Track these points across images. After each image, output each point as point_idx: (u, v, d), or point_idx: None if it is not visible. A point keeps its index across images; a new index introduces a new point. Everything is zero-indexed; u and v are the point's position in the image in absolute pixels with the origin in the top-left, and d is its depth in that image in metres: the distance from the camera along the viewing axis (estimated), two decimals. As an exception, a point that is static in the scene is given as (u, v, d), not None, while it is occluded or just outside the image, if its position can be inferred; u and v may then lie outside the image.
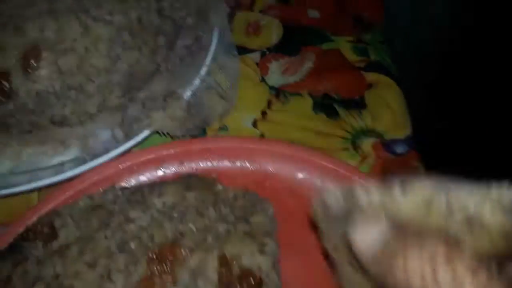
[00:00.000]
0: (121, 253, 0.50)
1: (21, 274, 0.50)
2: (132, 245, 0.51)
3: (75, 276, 0.48)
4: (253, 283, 0.48)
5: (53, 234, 0.53)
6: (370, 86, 0.80)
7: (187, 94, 0.67)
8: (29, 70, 0.62)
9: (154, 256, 0.49)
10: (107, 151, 0.65)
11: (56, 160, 0.67)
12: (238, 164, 0.67)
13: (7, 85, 0.61)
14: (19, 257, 0.51)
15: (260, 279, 0.49)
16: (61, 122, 0.67)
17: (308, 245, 0.61)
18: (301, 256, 0.59)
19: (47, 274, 0.49)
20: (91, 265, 0.49)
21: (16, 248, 0.52)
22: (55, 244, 0.52)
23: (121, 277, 0.48)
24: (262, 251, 0.51)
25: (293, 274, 0.57)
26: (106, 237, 0.52)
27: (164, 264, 0.48)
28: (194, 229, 0.53)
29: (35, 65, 0.62)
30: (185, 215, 0.55)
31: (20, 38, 0.64)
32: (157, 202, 0.56)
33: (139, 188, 0.59)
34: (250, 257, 0.50)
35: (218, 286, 0.48)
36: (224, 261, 0.49)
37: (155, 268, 0.48)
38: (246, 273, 0.49)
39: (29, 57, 0.62)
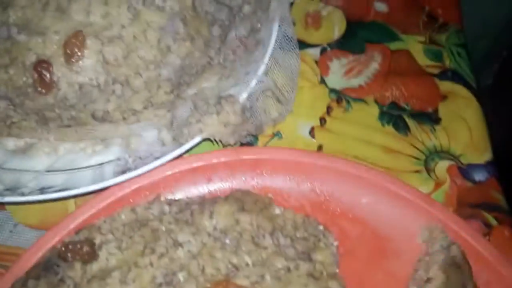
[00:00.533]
0: (168, 286, 0.44)
1: None
2: (181, 277, 0.45)
3: None
4: None
5: (93, 254, 0.47)
6: (445, 97, 0.70)
7: (243, 96, 0.60)
8: (72, 60, 0.55)
9: None
10: (151, 154, 0.59)
11: (95, 160, 0.61)
12: (294, 181, 0.60)
13: (48, 75, 0.55)
14: (54, 279, 0.46)
15: None
16: (103, 118, 0.60)
17: (371, 283, 0.55)
18: (363, 295, 0.53)
19: None
20: None
21: (51, 267, 0.46)
22: (95, 266, 0.47)
23: None
24: None
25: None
26: (151, 265, 0.46)
27: None
28: (250, 263, 0.47)
29: (79, 54, 0.55)
30: (239, 244, 0.48)
31: (63, 22, 0.56)
32: (208, 224, 0.50)
33: (188, 205, 0.52)
34: None
35: None
36: None
37: None
38: None
39: (72, 45, 0.55)
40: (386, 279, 0.54)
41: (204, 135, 0.58)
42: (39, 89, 0.55)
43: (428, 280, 0.48)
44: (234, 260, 0.47)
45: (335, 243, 0.51)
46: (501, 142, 0.67)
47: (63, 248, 0.47)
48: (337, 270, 0.49)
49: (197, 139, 0.58)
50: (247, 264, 0.47)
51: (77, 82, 0.56)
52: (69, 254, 0.46)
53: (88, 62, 0.56)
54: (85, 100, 0.57)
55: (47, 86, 0.55)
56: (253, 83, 0.61)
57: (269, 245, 0.49)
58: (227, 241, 0.49)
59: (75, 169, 0.60)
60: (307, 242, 0.50)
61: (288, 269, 0.47)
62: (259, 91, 0.62)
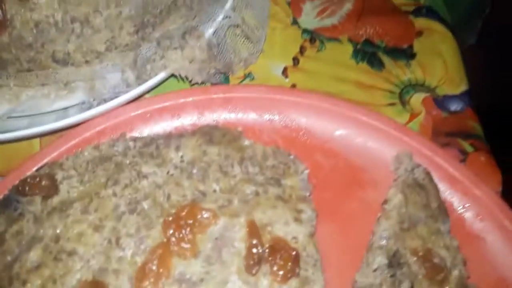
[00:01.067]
0: (131, 214, 0.43)
1: (16, 233, 0.43)
2: (145, 205, 0.43)
3: (78, 239, 0.41)
4: (288, 257, 0.40)
5: (54, 188, 0.45)
6: (420, 33, 0.68)
7: (209, 31, 0.58)
8: (26, -4, 0.52)
9: (171, 219, 0.42)
10: (116, 96, 0.57)
11: (59, 104, 0.59)
12: (266, 117, 0.58)
13: (0, 13, 0.52)
14: (13, 214, 0.44)
15: (297, 252, 0.41)
16: (65, 61, 0.57)
17: (346, 212, 0.53)
18: (338, 224, 0.51)
19: (46, 235, 0.42)
20: (97, 227, 0.42)
21: (10, 203, 0.45)
22: (55, 200, 0.45)
23: (132, 243, 0.41)
24: (297, 219, 0.43)
25: (329, 242, 0.49)
26: (114, 195, 0.44)
27: (183, 230, 0.41)
28: (218, 189, 0.45)
29: (33, -10, 0.53)
30: (207, 173, 0.47)
31: (15, -43, 0.53)
32: (174, 156, 0.48)
33: (154, 140, 0.50)
34: (284, 226, 0.42)
35: (246, 259, 0.40)
36: (253, 230, 0.41)
37: (173, 234, 0.40)
38: (279, 245, 0.41)
39: (26, -19, 0.53)
40: (360, 207, 0.52)
41: (169, 71, 0.56)
42: (-8, 27, 0.53)
43: (385, 201, 0.47)
44: (201, 187, 0.45)
45: (306, 171, 0.50)
46: (476, 73, 0.66)
47: (21, 183, 0.45)
48: (308, 194, 0.47)
49: (161, 76, 0.56)
50: (214, 191, 0.45)
51: (32, 20, 0.53)
52: (27, 188, 0.44)
53: (43, -1, 0.53)
54: (43, 39, 0.55)
55: (1, 24, 0.53)
56: (220, 17, 0.59)
57: (238, 173, 0.47)
58: (194, 171, 0.47)
59: (38, 114, 0.58)
60: (277, 169, 0.48)
61: (257, 193, 0.45)
62: (226, 27, 0.60)
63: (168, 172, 0.47)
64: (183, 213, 0.42)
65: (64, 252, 0.41)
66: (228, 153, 0.49)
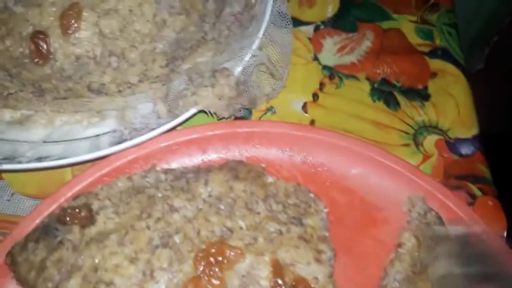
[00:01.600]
0: (164, 248, 0.46)
1: (56, 261, 0.46)
2: (177, 240, 0.47)
3: (115, 270, 0.44)
4: None
5: (91, 218, 0.48)
6: (434, 75, 0.72)
7: (238, 70, 0.61)
8: (69, 31, 0.56)
9: (201, 255, 0.45)
10: (146, 126, 0.60)
11: (91, 131, 0.62)
12: (287, 153, 0.61)
13: (44, 46, 0.55)
14: (54, 242, 0.47)
15: None
16: (99, 91, 0.61)
17: (360, 249, 0.57)
18: (352, 260, 0.54)
19: (85, 264, 0.45)
20: (132, 260, 0.45)
21: (50, 231, 0.48)
22: (92, 230, 0.48)
23: (165, 276, 0.44)
24: (318, 260, 0.47)
25: (345, 279, 0.53)
26: (148, 228, 0.47)
27: (212, 267, 0.44)
28: (244, 226, 0.49)
29: (75, 25, 0.56)
30: (233, 209, 0.50)
31: (59, -7, 0.57)
32: (203, 191, 0.51)
33: (184, 174, 0.54)
34: (305, 266, 0.46)
35: None
36: (277, 269, 0.45)
37: (203, 270, 0.44)
38: (302, 285, 0.44)
39: (69, 16, 0.56)
40: (374, 245, 0.56)
41: (199, 107, 0.59)
42: (36, 60, 0.56)
43: (399, 245, 0.50)
44: (228, 224, 0.48)
45: (325, 210, 0.53)
46: (487, 117, 0.69)
47: (62, 213, 0.48)
48: (327, 234, 0.50)
49: (192, 111, 0.59)
50: (240, 228, 0.48)
51: (73, 54, 0.57)
52: (67, 218, 0.47)
53: (85, 34, 0.57)
54: (82, 72, 0.58)
55: (44, 57, 0.56)
56: (248, 57, 0.62)
57: (262, 211, 0.50)
58: (222, 206, 0.50)
59: (71, 140, 0.61)
60: (298, 208, 0.51)
61: (280, 232, 0.48)
62: (253, 65, 0.63)
63: (197, 207, 0.50)
64: (213, 250, 0.45)
65: (102, 283, 0.44)
66: (253, 190, 0.52)
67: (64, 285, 0.44)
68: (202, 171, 0.54)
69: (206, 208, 0.50)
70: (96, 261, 0.45)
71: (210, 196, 0.51)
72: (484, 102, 0.70)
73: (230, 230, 0.48)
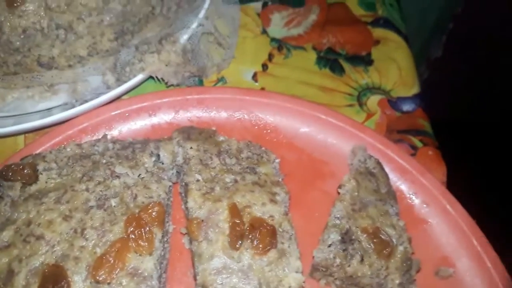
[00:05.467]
0: (99, 209, 0.47)
1: None
2: (113, 203, 0.47)
3: (47, 226, 0.45)
4: (266, 232, 0.45)
5: (34, 176, 0.49)
6: (377, 42, 0.75)
7: (184, 37, 0.63)
8: (15, 4, 0.57)
9: (132, 217, 0.46)
10: (97, 97, 0.61)
11: (43, 105, 0.63)
12: (236, 116, 0.63)
13: (-11, 19, 0.56)
14: None
15: (273, 228, 0.46)
16: (49, 65, 0.62)
17: (308, 201, 0.59)
18: (300, 211, 0.56)
19: (19, 218, 0.46)
20: (66, 217, 0.46)
21: None
22: (33, 188, 0.49)
23: (95, 235, 0.45)
24: (273, 201, 0.49)
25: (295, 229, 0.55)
26: (87, 190, 0.48)
27: (142, 228, 0.45)
28: (200, 179, 0.50)
29: (21, -1, 0.57)
30: (190, 166, 0.52)
31: (4, -31, 0.58)
32: (147, 160, 0.52)
33: (131, 144, 0.55)
34: (261, 207, 0.48)
35: (230, 236, 0.45)
36: (235, 211, 0.46)
37: (132, 231, 0.45)
38: (258, 223, 0.46)
39: (14, -10, 0.57)
40: (321, 197, 0.58)
41: (146, 73, 0.61)
42: (-18, 33, 0.57)
43: (340, 186, 0.53)
44: (185, 179, 0.50)
45: (277, 160, 0.55)
46: (426, 77, 0.73)
47: (5, 168, 0.48)
48: (280, 179, 0.53)
49: (140, 77, 0.61)
50: (197, 180, 0.50)
51: (20, 26, 0.58)
52: (10, 173, 0.48)
53: (31, 7, 0.58)
54: (29, 44, 0.59)
55: (-10, 30, 0.57)
56: (194, 25, 0.65)
57: (217, 165, 0.52)
58: (165, 176, 0.52)
59: (23, 114, 0.62)
60: (251, 160, 0.54)
61: (236, 181, 0.50)
62: (200, 33, 0.65)
63: (139, 175, 0.51)
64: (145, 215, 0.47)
65: (33, 236, 0.44)
66: (206, 148, 0.54)
67: None
68: (151, 142, 0.55)
69: (148, 176, 0.51)
70: (31, 216, 0.46)
71: (154, 166, 0.52)
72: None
73: (187, 184, 0.50)
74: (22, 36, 0.59)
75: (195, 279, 0.47)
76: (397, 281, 0.47)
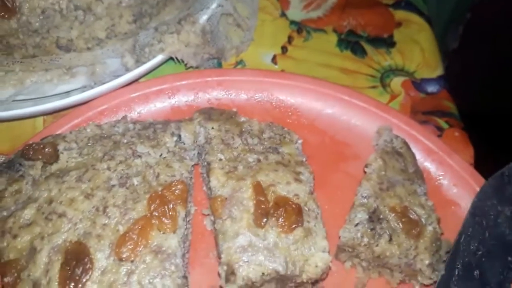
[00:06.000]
0: (121, 187, 0.46)
1: (15, 192, 0.46)
2: (135, 181, 0.47)
3: (69, 204, 0.44)
4: (291, 210, 0.44)
5: (55, 156, 0.48)
6: (399, 24, 0.74)
7: (203, 18, 0.62)
8: (33, -15, 0.56)
9: (155, 195, 0.45)
10: (116, 79, 0.60)
11: (61, 88, 0.62)
12: (257, 98, 0.62)
13: (10, 0, 0.56)
14: (15, 175, 0.47)
15: (299, 206, 0.45)
16: (67, 47, 0.61)
17: (330, 182, 0.57)
18: (323, 193, 0.54)
19: (41, 196, 0.45)
20: (88, 195, 0.45)
21: (13, 165, 0.48)
22: (54, 167, 0.48)
23: (117, 213, 0.44)
24: (297, 180, 0.47)
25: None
26: (108, 169, 0.47)
27: (165, 206, 0.44)
28: (223, 158, 0.49)
29: (39, -21, 0.57)
30: (212, 145, 0.51)
31: (23, -50, 0.58)
32: (169, 140, 0.52)
33: (152, 124, 0.54)
34: (286, 186, 0.46)
35: (255, 214, 0.44)
36: (259, 189, 0.45)
37: (155, 208, 0.44)
38: (283, 202, 0.45)
39: (33, -29, 0.57)
40: (345, 179, 0.57)
41: (166, 54, 0.60)
42: (2, 13, 0.56)
43: (366, 165, 0.51)
44: (207, 158, 0.49)
45: (300, 140, 0.54)
46: (451, 60, 0.71)
47: (26, 147, 0.48)
48: (304, 159, 0.51)
49: (159, 58, 0.60)
50: (220, 159, 0.49)
51: (39, 7, 0.57)
52: (31, 152, 0.47)
53: (49, -12, 0.58)
54: (48, 25, 0.58)
55: (10, 10, 0.57)
56: (214, 5, 0.63)
57: (239, 145, 0.51)
58: (187, 156, 0.51)
59: (42, 97, 0.61)
60: (274, 140, 0.52)
61: (259, 160, 0.49)
62: (219, 14, 0.64)
63: (161, 155, 0.50)
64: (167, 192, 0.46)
65: (55, 214, 0.44)
66: (227, 128, 0.53)
67: (18, 214, 0.44)
68: (172, 123, 0.55)
69: (170, 156, 0.50)
70: (52, 194, 0.45)
71: (175, 146, 0.52)
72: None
73: (209, 163, 0.49)
74: (41, 17, 0.58)
75: (219, 259, 0.46)
76: (427, 262, 0.45)
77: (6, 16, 0.57)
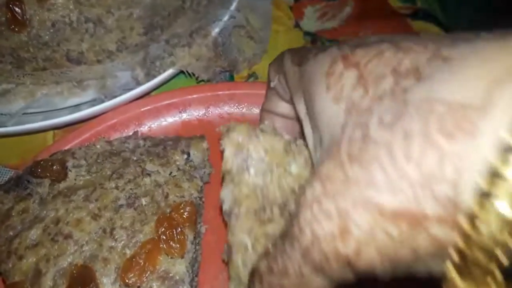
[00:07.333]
0: (129, 208, 0.45)
1: (22, 211, 0.45)
2: (143, 201, 0.45)
3: (76, 225, 0.43)
4: None
5: (63, 173, 0.47)
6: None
7: (215, 31, 0.61)
8: (44, -2, 0.56)
9: (163, 217, 0.43)
10: (126, 93, 0.60)
11: (72, 101, 0.62)
12: (269, 112, 0.61)
13: (20, 12, 0.55)
14: (23, 192, 0.46)
15: None
16: (78, 60, 0.61)
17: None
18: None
19: (48, 216, 0.44)
20: (95, 216, 0.44)
21: (21, 182, 0.47)
22: (62, 185, 0.47)
23: (124, 235, 0.43)
24: None
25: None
26: (117, 188, 0.46)
27: (174, 229, 0.43)
28: None
29: (50, -8, 0.56)
30: None
31: (34, -38, 0.57)
32: (179, 158, 0.50)
33: (163, 141, 0.53)
34: None
35: None
36: None
37: (164, 232, 0.42)
38: None
39: (44, -17, 0.56)
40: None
41: (177, 68, 0.58)
42: (12, 26, 0.56)
43: None
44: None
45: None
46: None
47: (34, 164, 0.47)
48: None
49: (170, 72, 0.59)
50: None
51: (49, 19, 0.57)
52: (39, 170, 0.46)
53: (60, 0, 0.57)
54: (59, 38, 0.58)
55: (20, 23, 0.56)
56: (225, 18, 0.62)
57: None
58: (197, 174, 0.49)
59: (52, 110, 0.61)
60: None
61: None
62: (231, 27, 0.63)
63: (170, 173, 0.49)
64: (176, 215, 0.44)
65: (61, 235, 0.43)
66: None
67: (25, 234, 0.43)
68: (183, 139, 0.53)
69: (180, 175, 0.49)
70: (59, 214, 0.44)
71: (185, 164, 0.50)
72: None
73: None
74: (51, 30, 0.58)
75: (228, 280, 0.44)
76: None
77: (17, 29, 0.56)
